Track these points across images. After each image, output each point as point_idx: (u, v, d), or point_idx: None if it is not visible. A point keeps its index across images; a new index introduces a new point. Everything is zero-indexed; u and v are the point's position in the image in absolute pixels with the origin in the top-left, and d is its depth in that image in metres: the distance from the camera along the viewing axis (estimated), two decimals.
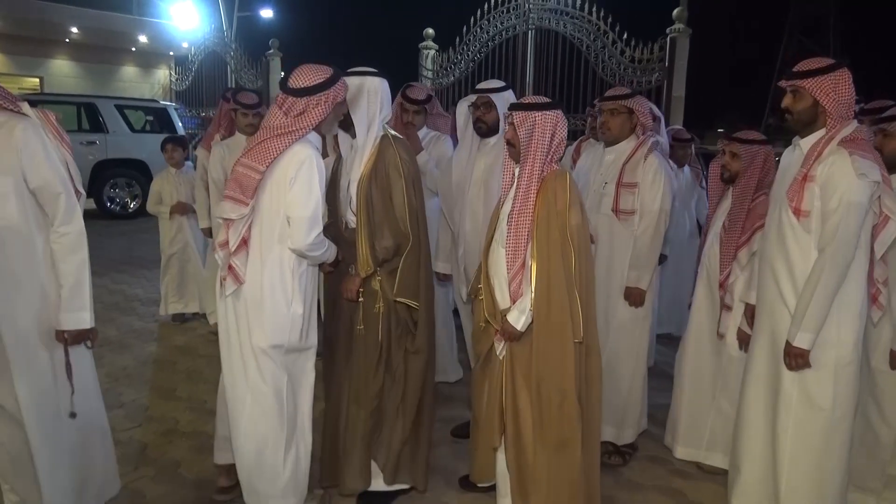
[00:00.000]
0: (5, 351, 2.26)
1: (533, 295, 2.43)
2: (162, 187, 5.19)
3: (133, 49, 17.37)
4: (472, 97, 3.26)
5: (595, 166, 3.42)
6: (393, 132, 2.81)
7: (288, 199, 2.43)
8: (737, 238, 3.07)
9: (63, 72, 16.72)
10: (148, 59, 18.07)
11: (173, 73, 16.75)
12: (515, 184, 2.50)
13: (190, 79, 15.47)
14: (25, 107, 2.33)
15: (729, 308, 3.13)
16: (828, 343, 2.47)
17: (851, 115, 2.50)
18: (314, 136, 2.53)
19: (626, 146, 3.29)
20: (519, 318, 2.46)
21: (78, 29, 15.47)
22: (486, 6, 10.74)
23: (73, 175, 2.41)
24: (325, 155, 2.75)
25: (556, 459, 2.52)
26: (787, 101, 2.54)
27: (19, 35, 15.50)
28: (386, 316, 2.73)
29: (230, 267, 2.46)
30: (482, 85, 3.29)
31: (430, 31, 11.82)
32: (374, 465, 2.85)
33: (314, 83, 2.44)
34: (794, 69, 2.52)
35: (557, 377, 2.45)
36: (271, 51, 13.61)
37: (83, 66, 17.06)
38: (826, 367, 2.50)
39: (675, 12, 8.93)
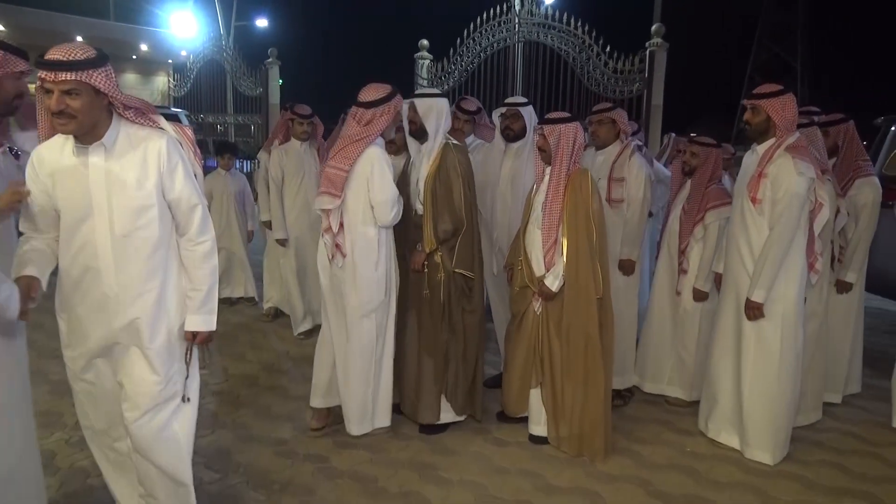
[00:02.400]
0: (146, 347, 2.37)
1: (564, 263, 3.27)
2: (213, 186, 5.93)
3: (134, 57, 17.95)
4: (503, 109, 4.06)
5: (589, 166, 4.24)
6: (454, 141, 3.56)
7: (371, 190, 3.24)
8: (694, 216, 3.92)
9: None
10: (148, 67, 18.64)
11: (171, 80, 17.31)
12: (547, 180, 3.34)
13: (188, 86, 16.09)
14: (163, 121, 2.42)
15: (685, 272, 3.98)
16: (777, 299, 3.31)
17: (794, 128, 3.34)
18: (381, 142, 3.34)
19: (613, 149, 4.13)
20: (554, 282, 3.31)
21: (83, 38, 16.03)
22: (478, 19, 11.47)
23: (200, 186, 2.50)
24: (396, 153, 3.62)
25: (582, 391, 3.35)
26: (747, 116, 3.40)
27: (28, 43, 15.95)
28: (446, 283, 3.47)
29: (337, 245, 3.27)
30: (510, 100, 4.11)
31: (425, 42, 12.51)
32: (442, 401, 3.61)
33: (379, 97, 3.26)
34: (753, 92, 3.37)
35: (583, 325, 3.30)
36: (270, 59, 14.16)
37: None
38: (775, 317, 3.34)
39: (653, 28, 9.78)
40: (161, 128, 2.35)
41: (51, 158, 2.21)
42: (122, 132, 2.22)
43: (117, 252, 2.24)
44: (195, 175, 2.43)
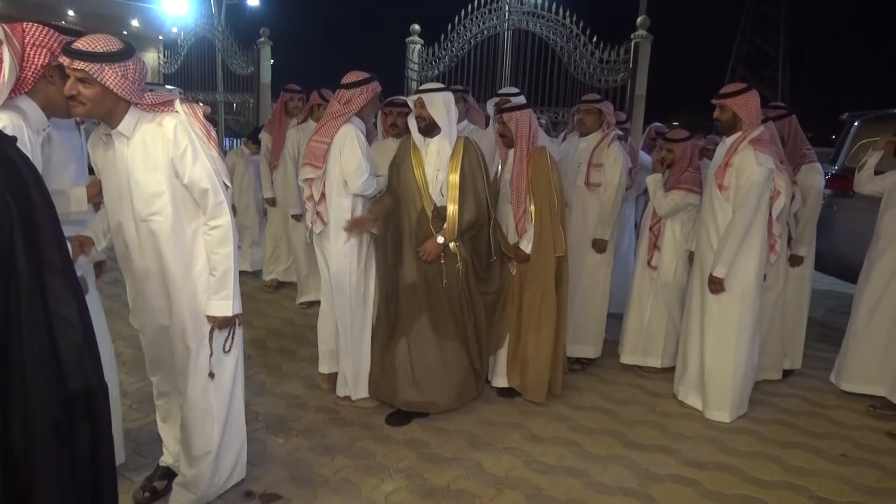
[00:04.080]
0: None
1: (533, 229, 3.72)
2: (236, 162, 6.33)
3: (125, 33, 17.96)
4: (496, 98, 4.42)
5: (573, 151, 4.61)
6: (471, 137, 3.80)
7: (342, 159, 3.52)
8: None
9: None
10: (138, 43, 18.45)
11: (162, 57, 17.37)
12: (511, 161, 3.79)
13: (179, 63, 16.18)
14: (177, 103, 2.43)
15: (658, 248, 4.39)
16: (737, 275, 3.73)
17: (759, 122, 3.74)
18: (358, 121, 3.60)
19: (595, 137, 4.50)
20: (528, 245, 3.79)
21: (74, 13, 16.09)
22: (469, 6, 11.76)
23: (219, 169, 2.49)
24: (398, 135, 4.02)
25: (535, 340, 3.83)
26: (716, 113, 3.79)
27: (18, 17, 15.95)
28: (465, 271, 3.63)
29: (318, 213, 3.60)
30: (503, 91, 4.49)
31: (417, 27, 12.73)
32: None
33: (358, 80, 3.59)
34: (720, 92, 3.77)
35: (542, 280, 3.79)
36: (262, 39, 14.29)
37: None
38: (735, 291, 3.75)
39: (638, 20, 10.15)
40: (175, 111, 2.40)
41: (94, 142, 2.48)
42: (139, 121, 2.33)
43: (140, 235, 2.42)
44: (213, 158, 2.45)
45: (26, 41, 2.11)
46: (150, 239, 2.42)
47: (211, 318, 2.51)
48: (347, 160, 3.52)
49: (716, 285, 3.75)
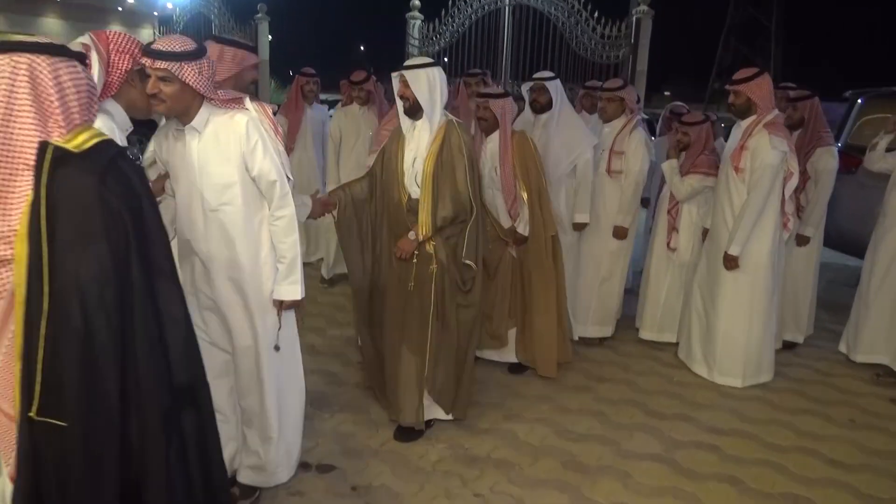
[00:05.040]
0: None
1: (526, 211, 3.86)
2: None
3: (119, 9, 17.85)
4: (531, 83, 4.42)
5: (596, 137, 4.58)
6: (457, 119, 3.33)
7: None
8: None
9: (53, 30, 17.14)
10: (133, 19, 18.51)
11: (157, 33, 17.26)
12: (490, 147, 3.85)
13: None
14: (247, 101, 2.60)
15: (676, 230, 4.56)
16: (751, 253, 3.94)
17: (773, 105, 3.91)
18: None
19: (618, 123, 4.55)
20: (525, 228, 3.90)
21: None
22: None
23: (284, 163, 2.64)
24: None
25: (541, 318, 4.01)
26: (731, 99, 3.96)
27: None
28: (440, 275, 3.21)
29: None
30: (537, 75, 4.45)
31: (417, 2, 12.70)
32: (427, 399, 3.35)
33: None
34: (733, 78, 3.94)
35: (541, 260, 3.96)
36: (259, 14, 14.24)
37: (72, 25, 17.49)
38: (748, 268, 3.97)
39: None
40: (246, 108, 2.54)
41: (163, 136, 2.60)
42: (211, 116, 2.46)
43: (208, 224, 2.52)
44: (279, 152, 2.61)
45: (111, 47, 2.22)
46: (219, 228, 2.53)
47: (278, 303, 2.65)
48: None
49: (731, 262, 3.95)
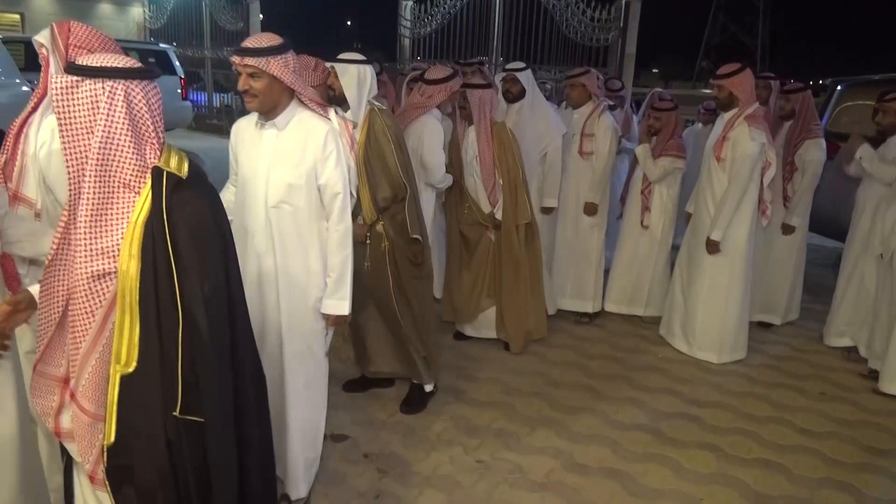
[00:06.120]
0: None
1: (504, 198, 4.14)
2: None
3: None
4: (503, 73, 4.71)
5: (568, 123, 4.93)
6: (378, 104, 3.36)
7: (421, 151, 3.80)
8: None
9: (43, 9, 17.01)
10: None
11: (147, 12, 17.24)
12: (471, 137, 4.11)
13: (165, 18, 16.10)
14: (331, 113, 2.68)
15: (648, 209, 4.85)
16: (730, 238, 4.21)
17: (754, 99, 4.17)
18: (435, 111, 3.90)
19: (586, 109, 4.85)
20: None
21: None
22: None
23: (351, 179, 2.73)
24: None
25: (511, 298, 4.29)
26: (714, 92, 4.23)
27: None
28: (391, 252, 3.40)
29: None
30: (509, 66, 4.72)
31: None
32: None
33: (440, 77, 3.86)
34: (717, 73, 4.19)
35: (511, 244, 4.21)
36: None
37: (61, 3, 17.39)
38: (727, 252, 4.24)
39: None
40: (329, 119, 2.60)
41: (242, 126, 2.67)
42: (296, 115, 2.52)
43: (268, 218, 2.56)
44: (351, 167, 2.75)
45: (70, 41, 2.19)
46: (276, 224, 2.56)
47: (324, 317, 2.70)
48: (427, 153, 3.76)
49: (712, 247, 4.22)
